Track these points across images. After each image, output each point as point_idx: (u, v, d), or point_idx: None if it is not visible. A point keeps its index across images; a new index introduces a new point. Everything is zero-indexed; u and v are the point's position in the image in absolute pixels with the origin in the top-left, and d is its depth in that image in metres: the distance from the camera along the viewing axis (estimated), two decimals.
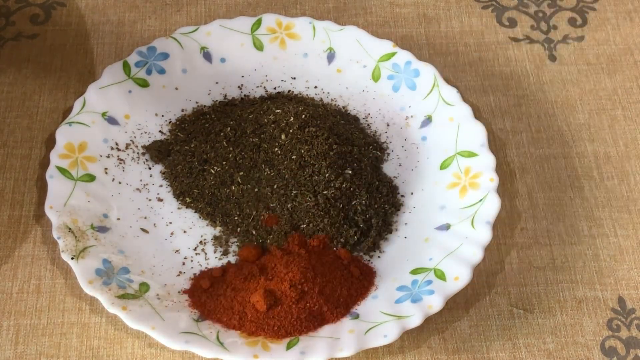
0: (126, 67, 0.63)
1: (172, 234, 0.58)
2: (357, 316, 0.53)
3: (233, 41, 0.66)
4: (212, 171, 0.60)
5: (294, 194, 0.57)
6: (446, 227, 0.57)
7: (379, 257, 0.57)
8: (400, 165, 0.62)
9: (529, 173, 0.63)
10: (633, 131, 0.65)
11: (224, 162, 0.60)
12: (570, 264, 0.59)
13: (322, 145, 0.58)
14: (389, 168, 0.62)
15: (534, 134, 0.65)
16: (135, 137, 0.62)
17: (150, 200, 0.59)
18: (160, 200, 0.59)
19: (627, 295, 0.57)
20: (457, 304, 0.56)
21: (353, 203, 0.58)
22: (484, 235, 0.56)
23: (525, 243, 0.59)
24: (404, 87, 0.64)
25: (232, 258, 0.57)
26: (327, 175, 0.58)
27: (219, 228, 0.58)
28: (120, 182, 0.59)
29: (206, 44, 0.65)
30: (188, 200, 0.59)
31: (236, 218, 0.58)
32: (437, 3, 0.72)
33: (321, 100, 0.65)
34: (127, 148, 0.61)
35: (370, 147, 0.62)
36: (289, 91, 0.65)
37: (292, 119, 0.59)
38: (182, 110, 0.64)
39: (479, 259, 0.55)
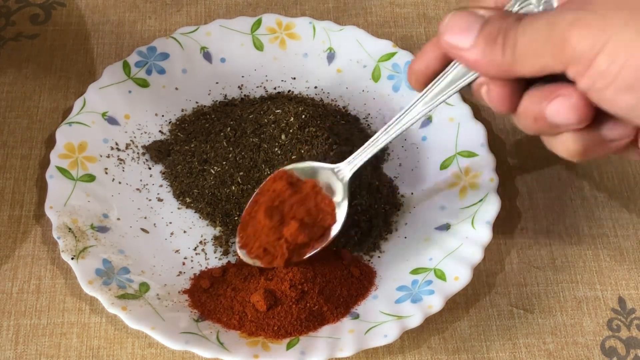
0: (126, 67, 0.63)
1: (172, 234, 0.58)
2: (357, 316, 0.53)
3: (233, 41, 0.66)
4: (212, 171, 0.60)
5: None
6: (446, 227, 0.57)
7: (379, 257, 0.57)
8: (400, 165, 0.62)
9: (529, 173, 0.63)
10: None
11: (224, 162, 0.60)
12: (570, 264, 0.59)
13: (322, 145, 0.58)
14: (389, 168, 0.62)
15: None
16: (135, 137, 0.62)
17: (150, 200, 0.59)
18: (160, 200, 0.59)
19: (627, 295, 0.57)
20: (457, 304, 0.56)
21: (353, 203, 0.58)
22: (484, 235, 0.56)
23: (525, 243, 0.59)
24: (404, 87, 0.64)
25: (232, 258, 0.57)
26: None
27: (219, 228, 0.58)
28: (120, 182, 0.59)
29: (206, 44, 0.65)
30: (188, 200, 0.59)
31: (236, 218, 0.58)
32: (437, 3, 0.72)
33: (321, 100, 0.65)
34: (127, 148, 0.61)
35: None
36: (289, 91, 0.65)
37: (292, 119, 0.59)
38: (182, 110, 0.64)
39: (479, 259, 0.55)
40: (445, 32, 0.43)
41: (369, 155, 0.52)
